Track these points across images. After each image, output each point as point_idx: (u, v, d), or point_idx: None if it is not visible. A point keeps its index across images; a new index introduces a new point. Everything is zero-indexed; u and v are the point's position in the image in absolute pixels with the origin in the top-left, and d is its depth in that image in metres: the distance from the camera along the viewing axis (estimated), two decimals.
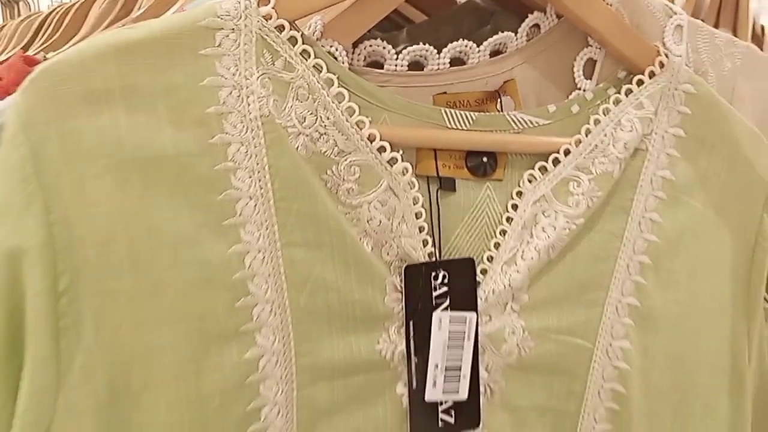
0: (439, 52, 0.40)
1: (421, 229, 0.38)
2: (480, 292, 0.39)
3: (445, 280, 0.38)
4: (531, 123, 0.40)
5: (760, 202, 0.44)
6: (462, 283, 0.39)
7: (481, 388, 0.40)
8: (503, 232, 0.40)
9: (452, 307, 0.39)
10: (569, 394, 0.42)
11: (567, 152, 0.40)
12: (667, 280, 0.43)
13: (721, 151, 0.44)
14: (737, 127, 0.44)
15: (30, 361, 0.32)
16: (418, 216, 0.38)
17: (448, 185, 0.39)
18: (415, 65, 0.41)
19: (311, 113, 0.35)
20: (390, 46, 0.40)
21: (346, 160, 0.36)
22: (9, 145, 0.31)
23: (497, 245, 0.40)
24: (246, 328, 0.35)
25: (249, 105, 0.34)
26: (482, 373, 0.40)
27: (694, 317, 0.44)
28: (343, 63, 0.37)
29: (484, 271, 0.40)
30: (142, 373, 0.33)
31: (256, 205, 0.35)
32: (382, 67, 0.40)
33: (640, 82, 0.42)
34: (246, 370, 0.35)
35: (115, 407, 0.33)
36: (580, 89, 0.43)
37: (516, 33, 0.42)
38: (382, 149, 0.37)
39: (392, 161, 0.37)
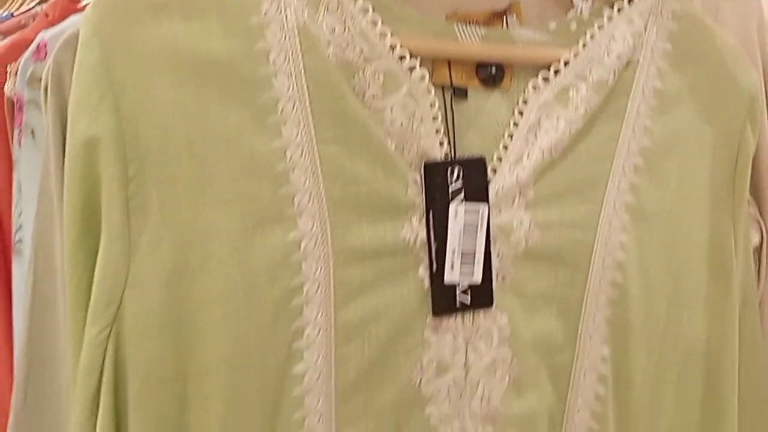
0: None
1: (437, 131, 0.43)
2: (491, 188, 0.44)
3: (460, 176, 0.43)
4: (534, 38, 0.45)
5: (742, 111, 0.49)
6: (475, 179, 0.44)
7: (493, 274, 0.45)
8: (510, 136, 0.45)
9: (467, 199, 0.44)
10: (573, 282, 0.47)
11: (566, 63, 0.45)
12: (659, 181, 0.48)
13: (706, 64, 0.49)
14: (720, 43, 0.49)
15: (106, 236, 0.37)
16: (435, 119, 0.43)
17: (460, 93, 0.44)
18: None
19: (340, 24, 0.40)
20: None
21: (371, 67, 0.41)
22: (83, 49, 0.37)
23: (505, 147, 0.45)
24: (288, 213, 0.40)
25: (287, 16, 0.39)
26: (494, 261, 0.45)
27: (685, 214, 0.49)
28: None
29: (494, 170, 0.44)
30: (200, 249, 0.38)
31: (294, 105, 0.40)
32: None
33: (630, 1, 0.47)
34: (289, 250, 0.40)
35: (178, 280, 0.38)
36: (577, 9, 0.47)
37: None
38: (402, 58, 0.41)
39: (411, 69, 0.42)
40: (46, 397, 0.46)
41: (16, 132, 0.50)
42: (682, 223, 0.49)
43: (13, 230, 0.49)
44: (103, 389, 0.38)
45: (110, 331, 0.38)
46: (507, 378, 0.46)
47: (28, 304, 0.44)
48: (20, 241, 0.49)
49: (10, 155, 0.51)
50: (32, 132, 0.49)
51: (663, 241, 0.48)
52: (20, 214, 0.48)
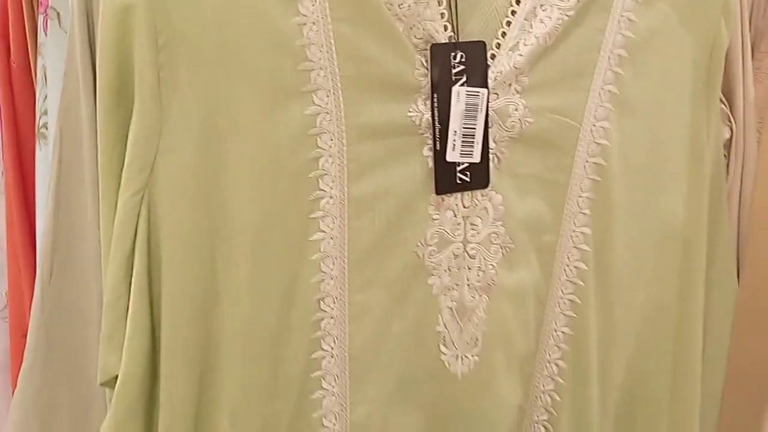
0: None
1: (442, 15, 0.46)
2: (489, 73, 0.47)
3: (462, 60, 0.47)
4: None
5: (718, 6, 0.53)
6: (476, 63, 0.47)
7: (490, 156, 0.49)
8: (509, 23, 0.48)
9: (468, 83, 0.47)
10: (560, 166, 0.51)
11: None
12: (642, 72, 0.52)
13: None
14: None
15: (138, 104, 0.40)
16: (439, 3, 0.46)
17: None
18: None
19: None
20: None
21: None
22: None
23: (504, 34, 0.48)
24: (306, 88, 0.43)
25: None
26: (491, 143, 0.49)
27: (665, 104, 0.53)
28: None
29: (492, 56, 0.48)
30: (227, 119, 0.41)
31: None
32: None
33: None
34: (307, 124, 0.43)
35: (206, 147, 0.41)
36: None
37: None
38: None
39: None
40: (72, 274, 0.49)
41: (40, 18, 0.51)
42: (662, 113, 0.53)
43: (37, 116, 0.51)
44: (137, 250, 0.41)
45: (143, 195, 0.41)
46: (500, 252, 0.50)
47: (53, 183, 0.47)
48: (44, 126, 0.51)
49: (25, 45, 0.52)
50: (57, 15, 0.50)
51: (644, 129, 0.53)
52: (45, 99, 0.50)
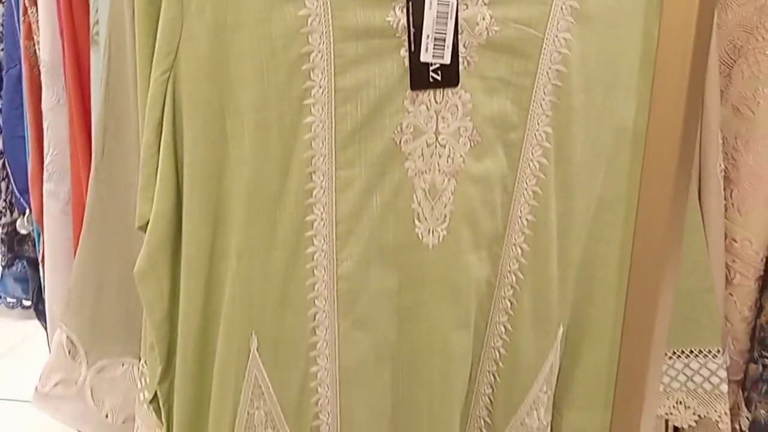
0: None
1: None
2: None
3: None
4: None
5: None
6: None
7: (461, 60, 0.58)
8: None
9: None
10: (525, 71, 0.59)
11: None
12: None
13: None
14: None
15: (165, 3, 0.51)
16: None
17: None
18: None
19: None
20: None
21: None
22: None
23: None
24: None
25: None
26: (461, 48, 0.57)
27: (620, 20, 0.60)
28: None
29: None
30: (234, 13, 0.52)
31: None
32: None
33: None
34: (300, 23, 0.53)
35: (218, 37, 0.52)
36: None
37: None
38: None
39: None
40: (119, 150, 0.61)
41: None
42: (619, 28, 0.60)
43: (91, 24, 0.63)
44: (165, 118, 0.53)
45: (169, 74, 0.52)
46: (468, 144, 0.59)
47: (104, 76, 0.58)
48: (97, 33, 0.63)
49: None
50: None
51: (602, 40, 0.60)
52: (97, 10, 0.62)
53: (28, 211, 1.00)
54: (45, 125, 0.84)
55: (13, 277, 1.15)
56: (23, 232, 1.04)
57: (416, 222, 0.60)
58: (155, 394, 0.60)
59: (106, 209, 0.62)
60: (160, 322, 0.57)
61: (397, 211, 0.60)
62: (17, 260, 1.12)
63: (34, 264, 1.09)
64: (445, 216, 0.60)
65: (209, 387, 0.59)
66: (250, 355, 0.58)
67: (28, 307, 1.16)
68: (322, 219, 0.58)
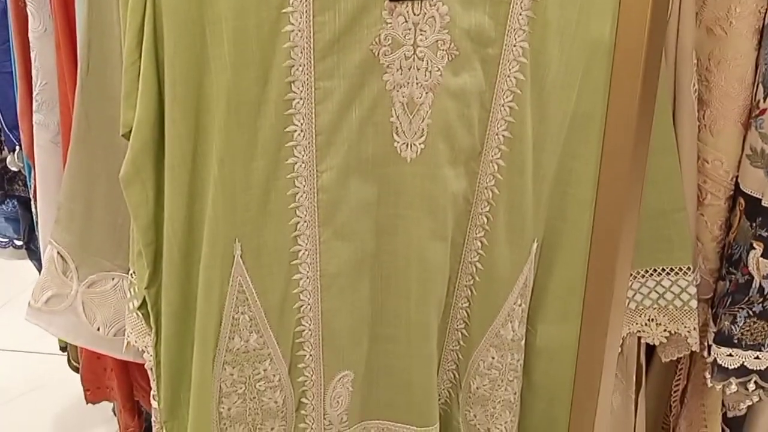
0: None
1: None
2: None
3: None
4: None
5: None
6: None
7: None
8: None
9: None
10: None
11: None
12: None
13: None
14: None
15: None
16: None
17: None
18: None
19: None
20: None
21: None
22: None
23: None
24: None
25: None
26: None
27: None
28: None
29: None
30: None
31: None
32: None
33: None
34: None
35: None
36: None
37: None
38: None
39: None
40: (104, 65, 0.62)
41: None
42: None
43: None
44: (146, 24, 0.54)
45: None
46: (446, 58, 0.61)
47: None
48: None
49: None
50: None
51: None
52: None
53: (18, 147, 1.01)
54: (32, 56, 0.84)
55: (4, 217, 1.17)
56: (14, 169, 1.05)
57: (394, 136, 0.62)
58: (144, 300, 0.62)
59: (93, 124, 0.64)
60: (146, 227, 0.59)
61: (376, 124, 0.61)
62: (8, 199, 1.14)
63: (26, 204, 1.11)
64: (423, 130, 0.62)
65: (195, 292, 0.61)
66: (234, 261, 0.61)
67: (20, 247, 1.18)
68: (302, 130, 0.59)
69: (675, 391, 0.93)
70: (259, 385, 0.65)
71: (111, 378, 1.07)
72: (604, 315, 0.69)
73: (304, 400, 0.68)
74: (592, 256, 0.69)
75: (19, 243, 1.17)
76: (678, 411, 0.93)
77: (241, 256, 0.61)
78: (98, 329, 0.71)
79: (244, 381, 0.65)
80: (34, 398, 1.91)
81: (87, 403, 1.31)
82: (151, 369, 0.64)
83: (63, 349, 1.11)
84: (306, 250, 0.62)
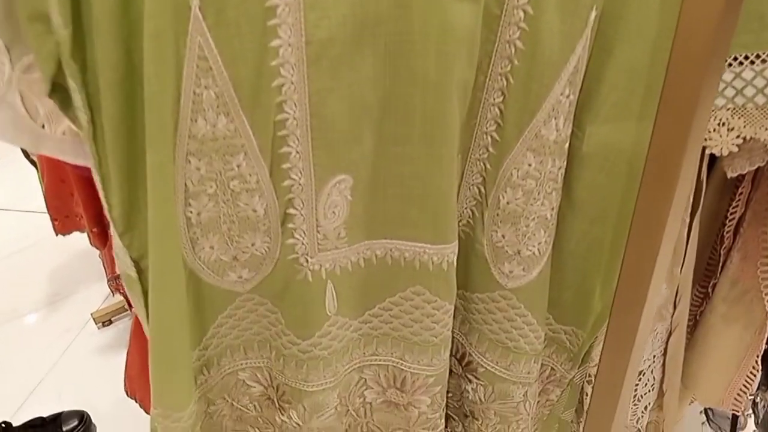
0: None
1: None
2: None
3: None
4: None
5: None
6: None
7: None
8: None
9: None
10: None
11: None
12: None
13: None
14: None
15: None
16: None
17: None
18: None
19: None
20: None
21: None
22: None
23: None
24: None
25: None
26: None
27: None
28: None
29: None
30: None
31: None
32: None
33: None
34: None
35: None
36: None
37: None
38: None
39: None
40: None
41: None
42: None
43: None
44: None
45: None
46: None
47: None
48: None
49: None
50: None
51: None
52: None
53: None
54: None
55: None
56: None
57: None
58: (72, 64, 0.47)
59: None
60: None
61: None
62: None
63: None
64: None
65: (140, 57, 0.46)
66: (191, 15, 0.45)
67: None
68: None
69: (730, 220, 0.80)
70: (233, 185, 0.52)
71: (79, 204, 0.96)
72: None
73: (291, 210, 0.55)
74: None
75: None
76: (730, 243, 0.81)
77: (199, 8, 0.45)
78: (43, 126, 0.57)
79: (214, 178, 0.51)
80: (26, 256, 1.85)
81: (57, 235, 1.21)
82: (95, 167, 0.51)
83: None
84: (286, 5, 0.46)
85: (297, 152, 0.52)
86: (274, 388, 0.67)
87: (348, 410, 0.70)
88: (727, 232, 0.80)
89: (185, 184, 0.51)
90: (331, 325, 0.62)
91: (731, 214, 0.79)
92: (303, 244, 0.56)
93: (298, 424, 0.67)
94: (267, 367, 0.66)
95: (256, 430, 0.72)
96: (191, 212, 0.53)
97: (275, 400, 0.68)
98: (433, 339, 0.64)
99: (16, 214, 2.07)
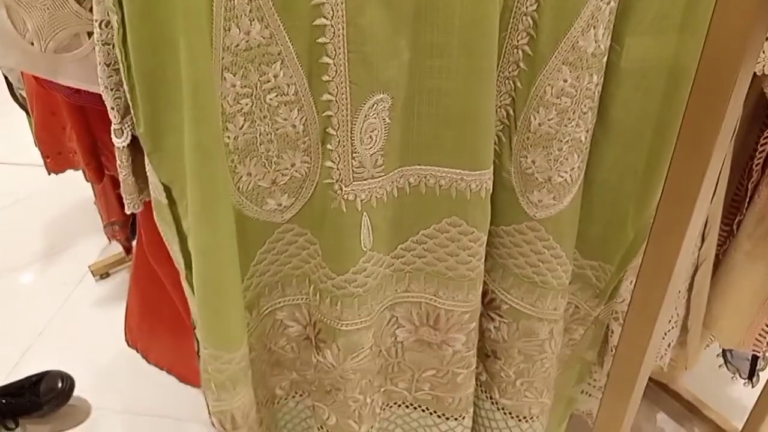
0: None
1: None
2: None
3: None
4: None
5: None
6: None
7: None
8: None
9: None
10: None
11: None
12: None
13: None
14: None
15: None
16: None
17: None
18: None
19: None
20: None
21: None
22: None
23: None
24: None
25: None
26: None
27: None
28: None
29: None
30: None
31: None
32: None
33: None
34: None
35: None
36: None
37: None
38: None
39: None
40: None
41: None
42: None
43: None
44: None
45: None
46: None
47: None
48: None
49: None
50: None
51: None
52: None
53: None
54: None
55: None
56: None
57: None
58: None
59: None
60: None
61: None
62: None
63: None
64: None
65: None
66: None
67: None
68: None
69: (761, 152, 0.76)
70: (270, 99, 0.48)
71: (71, 139, 0.91)
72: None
73: (330, 130, 0.51)
74: None
75: None
76: (759, 177, 0.78)
77: None
78: (32, 43, 0.52)
79: (249, 93, 0.47)
80: (20, 210, 1.80)
81: (49, 174, 1.16)
82: (118, 85, 0.46)
83: None
84: None
85: (334, 64, 0.48)
86: (312, 325, 0.64)
87: (381, 351, 0.68)
88: (756, 165, 0.77)
89: (222, 106, 0.47)
90: (366, 261, 0.59)
91: (761, 146, 0.76)
92: (338, 169, 0.53)
93: (333, 365, 0.64)
94: (305, 304, 0.63)
95: (294, 373, 0.69)
96: (228, 137, 0.49)
97: (312, 338, 0.65)
98: (469, 273, 0.61)
99: (9, 167, 2.01)
